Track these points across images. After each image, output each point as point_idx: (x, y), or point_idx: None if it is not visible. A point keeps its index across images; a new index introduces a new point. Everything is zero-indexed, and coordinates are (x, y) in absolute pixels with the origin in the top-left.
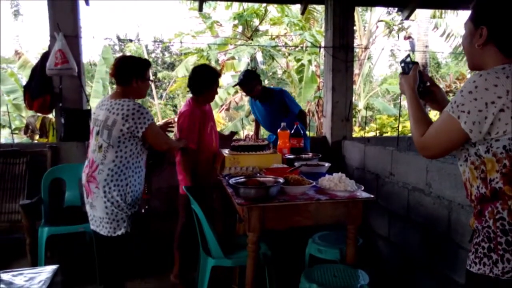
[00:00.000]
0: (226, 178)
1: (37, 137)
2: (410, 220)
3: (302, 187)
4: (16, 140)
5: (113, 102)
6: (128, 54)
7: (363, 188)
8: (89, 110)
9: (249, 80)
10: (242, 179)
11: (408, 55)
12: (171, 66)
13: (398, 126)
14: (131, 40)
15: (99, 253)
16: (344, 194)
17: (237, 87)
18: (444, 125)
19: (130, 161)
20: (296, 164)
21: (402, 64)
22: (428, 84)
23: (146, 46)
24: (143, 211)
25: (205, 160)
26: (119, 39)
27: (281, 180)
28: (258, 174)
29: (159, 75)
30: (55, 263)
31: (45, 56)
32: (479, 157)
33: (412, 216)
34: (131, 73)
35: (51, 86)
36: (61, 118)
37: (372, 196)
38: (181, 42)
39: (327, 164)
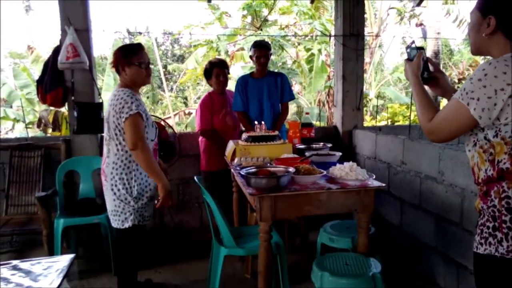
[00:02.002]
0: (237, 168)
1: (50, 130)
2: (422, 209)
3: (313, 176)
4: (30, 134)
5: (112, 94)
6: None
7: (374, 177)
8: (101, 103)
9: (269, 46)
10: (253, 169)
11: (413, 41)
12: (181, 59)
13: (410, 115)
14: (140, 33)
15: (114, 243)
16: (356, 183)
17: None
18: (453, 111)
19: (132, 154)
20: (307, 154)
21: (408, 50)
22: (432, 70)
23: (156, 39)
24: (156, 201)
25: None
26: (129, 32)
27: (291, 170)
28: (268, 164)
29: (169, 67)
30: (71, 253)
31: (56, 50)
32: (488, 141)
33: (424, 205)
34: (117, 62)
35: (63, 79)
36: (73, 112)
37: (383, 184)
38: (190, 34)
39: (338, 154)
